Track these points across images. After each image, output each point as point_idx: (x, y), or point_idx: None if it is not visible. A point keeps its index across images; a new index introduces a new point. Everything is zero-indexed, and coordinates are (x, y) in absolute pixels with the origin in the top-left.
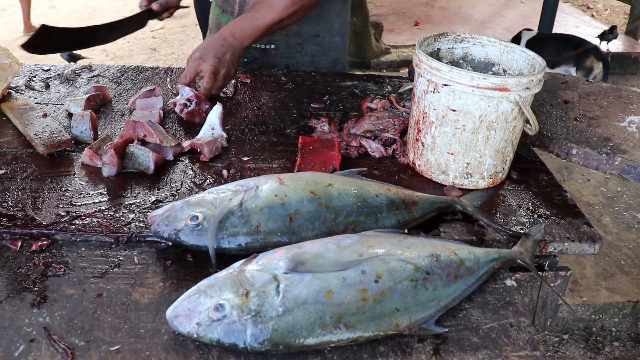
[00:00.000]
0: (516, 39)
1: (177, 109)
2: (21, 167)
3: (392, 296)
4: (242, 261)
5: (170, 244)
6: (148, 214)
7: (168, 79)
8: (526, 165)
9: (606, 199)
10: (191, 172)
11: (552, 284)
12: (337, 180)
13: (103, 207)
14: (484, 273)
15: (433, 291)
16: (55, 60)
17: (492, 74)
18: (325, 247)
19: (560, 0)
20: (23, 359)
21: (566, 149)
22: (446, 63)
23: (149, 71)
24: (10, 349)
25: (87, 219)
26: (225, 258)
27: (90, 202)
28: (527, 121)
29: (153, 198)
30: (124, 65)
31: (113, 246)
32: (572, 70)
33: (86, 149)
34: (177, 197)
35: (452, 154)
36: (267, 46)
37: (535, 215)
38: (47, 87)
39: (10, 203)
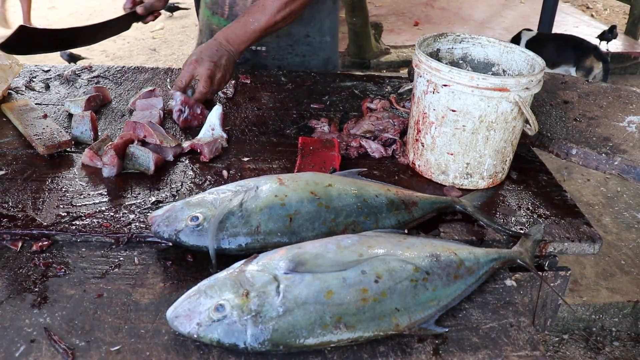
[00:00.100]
0: (516, 39)
1: (174, 116)
2: (21, 167)
3: (392, 296)
4: (242, 261)
5: (170, 244)
6: (148, 214)
7: (168, 80)
8: (526, 166)
9: (606, 198)
10: (191, 173)
11: (552, 284)
12: (337, 181)
13: (103, 208)
14: (483, 273)
15: (433, 291)
16: (55, 61)
17: (492, 74)
18: (325, 247)
19: (560, 0)
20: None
21: (566, 149)
22: (446, 63)
23: (149, 72)
24: (10, 349)
25: (87, 219)
26: (226, 258)
27: (90, 202)
28: (526, 121)
29: (153, 198)
30: (124, 66)
31: (113, 247)
32: (572, 71)
33: (86, 150)
34: (177, 197)
35: (451, 154)
36: (258, 48)
37: (535, 215)
38: (47, 87)
39: (10, 204)
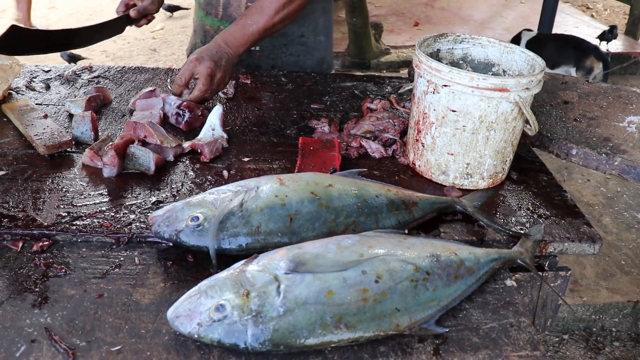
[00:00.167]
0: (516, 40)
1: (172, 120)
2: (22, 168)
3: (392, 296)
4: (242, 262)
5: (171, 244)
6: (149, 214)
7: (168, 80)
8: (526, 166)
9: (606, 199)
10: (192, 173)
11: (552, 284)
12: (337, 181)
13: (104, 208)
14: (484, 273)
15: (433, 291)
16: (55, 61)
17: (492, 74)
18: (326, 247)
19: (560, 0)
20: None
21: (566, 149)
22: (446, 64)
23: (149, 72)
24: (11, 349)
25: (88, 219)
26: (226, 259)
27: (91, 202)
28: (526, 121)
29: (154, 199)
30: (124, 66)
31: (114, 247)
32: (572, 71)
33: (87, 150)
34: (177, 197)
35: (452, 155)
36: (252, 48)
37: (535, 216)
38: (48, 88)
39: (11, 204)
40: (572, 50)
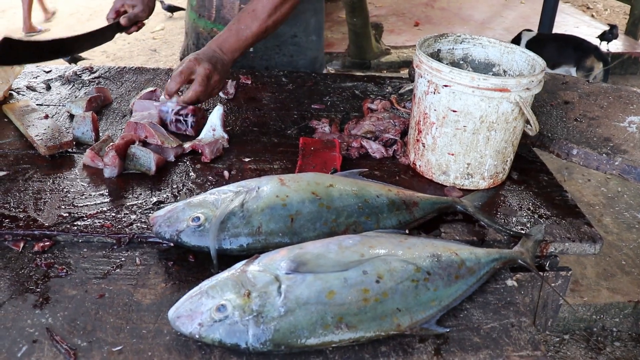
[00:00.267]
0: (516, 40)
1: (172, 128)
2: (23, 168)
3: (393, 296)
4: (243, 262)
5: (172, 244)
6: (150, 215)
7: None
8: (527, 166)
9: (607, 199)
10: (192, 173)
11: (553, 284)
12: (338, 181)
13: (105, 208)
14: (485, 273)
15: (434, 291)
16: (56, 62)
17: (493, 74)
18: (327, 247)
19: (560, 0)
20: None
21: (566, 150)
22: (446, 64)
23: (149, 72)
24: (13, 349)
25: (89, 220)
26: (227, 259)
27: (92, 203)
28: (527, 122)
29: (155, 199)
30: (125, 67)
31: (115, 247)
32: (573, 71)
33: (88, 150)
34: (178, 198)
35: (452, 155)
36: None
37: (536, 216)
38: (49, 88)
39: (12, 204)
40: (573, 50)
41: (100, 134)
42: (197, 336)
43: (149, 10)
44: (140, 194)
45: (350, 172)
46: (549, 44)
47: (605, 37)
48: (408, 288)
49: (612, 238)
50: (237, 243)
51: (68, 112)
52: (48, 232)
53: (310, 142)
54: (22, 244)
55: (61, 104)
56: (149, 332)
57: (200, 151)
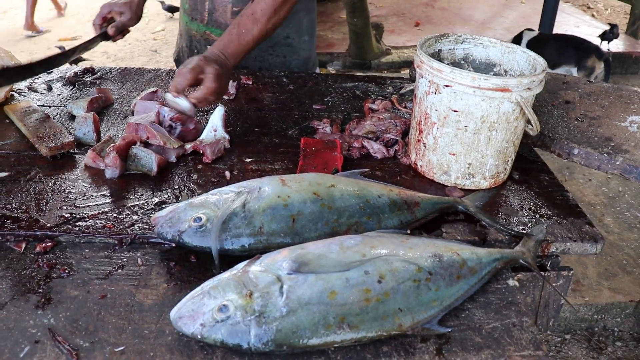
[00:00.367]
0: (517, 39)
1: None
2: (24, 169)
3: (395, 296)
4: (245, 262)
5: (173, 245)
6: (151, 215)
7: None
8: (528, 166)
9: (608, 198)
10: (194, 174)
11: (554, 284)
12: (339, 181)
13: (106, 209)
14: (486, 273)
15: (436, 291)
16: None
17: (494, 74)
18: (328, 247)
19: (561, 0)
20: None
21: (567, 149)
22: (447, 64)
23: (150, 73)
24: (15, 350)
25: (90, 220)
26: (229, 259)
27: (93, 203)
28: (528, 121)
29: (156, 200)
30: (126, 68)
31: (117, 248)
32: (573, 71)
33: (89, 151)
34: (180, 198)
35: (453, 155)
36: None
37: (537, 216)
38: (50, 89)
39: (14, 205)
40: (573, 50)
41: (102, 135)
42: (199, 336)
43: (137, 18)
44: (142, 195)
45: (352, 172)
46: (550, 44)
47: (605, 36)
48: (410, 288)
49: (614, 238)
50: (239, 243)
51: (69, 113)
52: (50, 233)
53: (312, 142)
54: (24, 245)
55: (62, 105)
56: (151, 332)
57: (201, 152)
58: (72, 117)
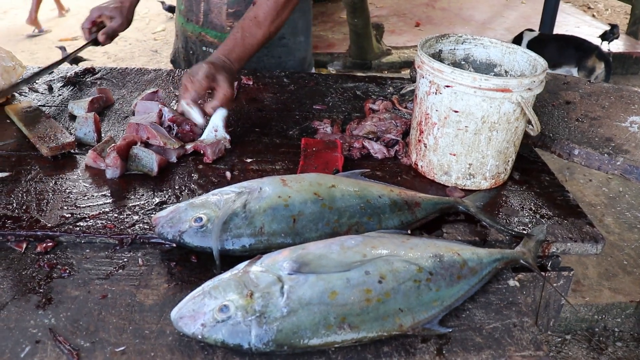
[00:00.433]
0: (517, 40)
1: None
2: (25, 169)
3: (395, 297)
4: (246, 262)
5: (174, 245)
6: (152, 215)
7: (170, 81)
8: (528, 166)
9: (608, 199)
10: (195, 174)
11: (554, 284)
12: (340, 182)
13: (107, 209)
14: (487, 273)
15: (436, 291)
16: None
17: (494, 75)
18: (329, 248)
19: (561, 0)
20: None
21: (568, 150)
22: (448, 64)
23: (151, 73)
24: (16, 350)
25: (91, 220)
26: (230, 259)
27: (94, 204)
28: (529, 122)
29: (157, 200)
30: (126, 68)
31: (117, 248)
32: (574, 71)
33: (90, 151)
34: (180, 198)
35: (454, 155)
36: None
37: (538, 216)
38: (51, 89)
39: (14, 205)
40: (574, 50)
41: (102, 135)
42: (199, 337)
43: (128, 22)
44: (143, 195)
45: (352, 172)
46: (550, 44)
47: (606, 37)
48: (410, 288)
49: (614, 238)
50: (240, 243)
51: (70, 113)
52: (51, 233)
53: (312, 142)
54: (24, 245)
55: (63, 105)
56: (152, 332)
57: (202, 152)
58: (72, 117)
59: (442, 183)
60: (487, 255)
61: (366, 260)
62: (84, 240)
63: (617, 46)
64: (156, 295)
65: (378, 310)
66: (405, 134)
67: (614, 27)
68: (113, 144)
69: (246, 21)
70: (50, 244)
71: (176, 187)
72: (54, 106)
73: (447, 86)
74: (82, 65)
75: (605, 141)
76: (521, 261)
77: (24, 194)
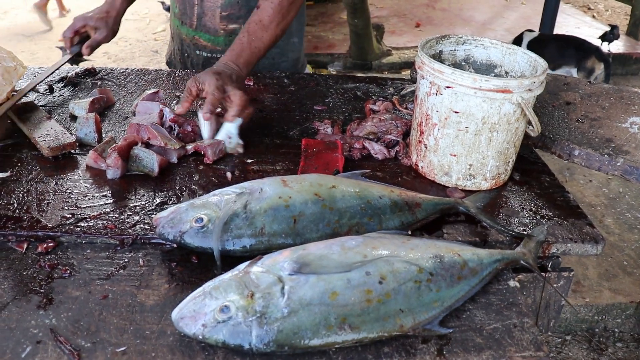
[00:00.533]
0: (518, 40)
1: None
2: (26, 169)
3: (396, 297)
4: (247, 263)
5: (175, 246)
6: (153, 216)
7: (170, 81)
8: (528, 167)
9: (608, 199)
10: (195, 175)
11: (555, 285)
12: (340, 182)
13: (108, 210)
14: (487, 274)
15: (437, 292)
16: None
17: (494, 75)
18: (330, 248)
19: (561, 1)
20: None
21: (568, 150)
22: (448, 65)
23: (152, 74)
24: (17, 350)
25: (92, 221)
26: (230, 260)
27: (95, 204)
28: (529, 123)
29: (158, 200)
30: (127, 68)
31: (118, 248)
32: (574, 72)
33: (91, 152)
34: (181, 199)
35: (454, 156)
36: None
37: (538, 217)
38: (52, 90)
39: (15, 205)
40: (574, 51)
41: (103, 136)
42: (200, 337)
43: (113, 34)
44: (143, 195)
45: (353, 173)
46: (550, 45)
47: (606, 37)
48: (411, 289)
49: (614, 239)
50: (240, 244)
51: (71, 113)
52: (51, 233)
53: (313, 143)
54: (25, 245)
55: (64, 105)
56: (153, 333)
57: (202, 152)
58: (73, 118)
59: (442, 184)
60: (487, 255)
61: (367, 260)
62: (85, 240)
63: (617, 47)
64: (157, 296)
65: (379, 310)
66: (406, 134)
67: (614, 27)
68: (114, 145)
69: (252, 25)
70: (51, 244)
71: (177, 188)
72: (55, 106)
73: (448, 87)
74: (83, 66)
75: (606, 142)
76: (521, 262)
77: (25, 194)
